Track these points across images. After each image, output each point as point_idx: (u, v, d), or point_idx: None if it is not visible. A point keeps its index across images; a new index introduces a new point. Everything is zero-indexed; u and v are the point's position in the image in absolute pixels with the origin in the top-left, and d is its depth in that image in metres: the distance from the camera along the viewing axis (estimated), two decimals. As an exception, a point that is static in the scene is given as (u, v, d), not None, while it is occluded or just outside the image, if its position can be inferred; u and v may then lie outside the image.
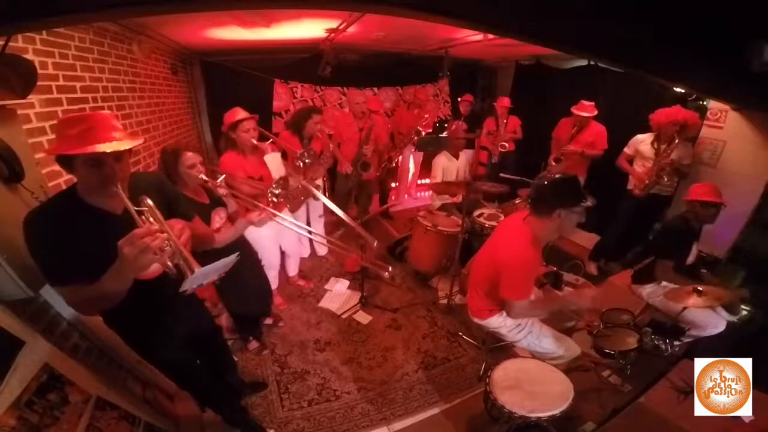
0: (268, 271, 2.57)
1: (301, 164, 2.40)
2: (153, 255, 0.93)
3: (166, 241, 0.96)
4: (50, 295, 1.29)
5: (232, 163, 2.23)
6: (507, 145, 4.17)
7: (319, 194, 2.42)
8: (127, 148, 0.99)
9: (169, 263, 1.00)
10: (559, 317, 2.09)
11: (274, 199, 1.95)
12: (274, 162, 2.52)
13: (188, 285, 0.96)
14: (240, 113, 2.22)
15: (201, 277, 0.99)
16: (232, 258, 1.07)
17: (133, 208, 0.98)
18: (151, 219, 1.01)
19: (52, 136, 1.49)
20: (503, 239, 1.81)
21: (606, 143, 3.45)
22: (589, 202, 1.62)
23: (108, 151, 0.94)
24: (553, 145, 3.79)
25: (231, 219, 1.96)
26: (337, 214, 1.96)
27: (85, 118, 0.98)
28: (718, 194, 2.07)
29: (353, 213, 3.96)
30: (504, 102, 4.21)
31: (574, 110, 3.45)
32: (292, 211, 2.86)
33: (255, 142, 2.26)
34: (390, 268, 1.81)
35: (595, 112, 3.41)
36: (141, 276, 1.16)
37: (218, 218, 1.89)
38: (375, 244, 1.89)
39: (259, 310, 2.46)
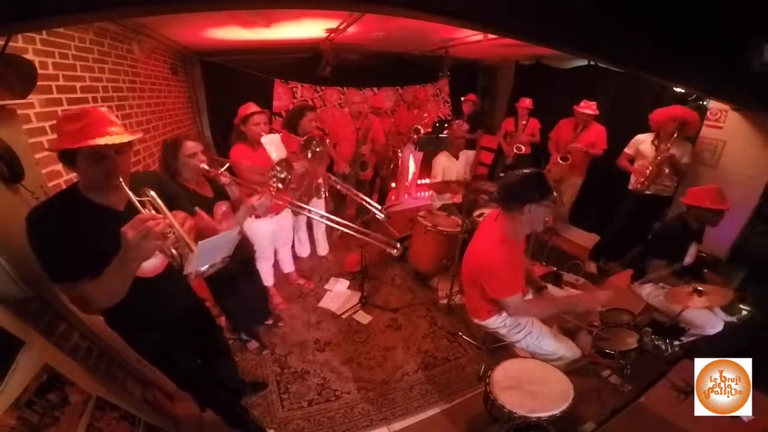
0: (261, 263, 2.57)
1: (310, 153, 2.37)
2: (156, 241, 0.93)
3: (169, 228, 0.96)
4: (50, 295, 1.29)
5: (241, 155, 2.26)
6: (523, 147, 4.13)
7: (349, 187, 2.41)
8: (128, 140, 1.00)
9: (173, 250, 1.00)
10: (558, 318, 2.09)
11: (279, 185, 1.89)
12: (273, 143, 2.50)
13: (191, 265, 0.96)
14: (252, 107, 2.29)
15: (203, 255, 0.98)
16: (234, 233, 1.07)
17: (135, 199, 0.99)
18: (154, 212, 1.01)
19: (52, 136, 1.49)
20: (477, 241, 1.83)
21: (606, 143, 3.46)
22: (555, 194, 1.64)
23: (110, 143, 0.95)
24: (551, 146, 3.79)
25: (234, 208, 1.93)
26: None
27: (84, 114, 0.99)
28: (723, 199, 2.05)
29: (351, 213, 3.96)
30: (525, 103, 4.11)
31: (578, 109, 3.45)
32: (296, 214, 2.85)
33: (264, 135, 2.29)
34: (398, 245, 1.77)
35: (597, 112, 3.42)
36: (142, 273, 1.16)
37: (221, 212, 1.88)
38: (388, 216, 1.85)
39: (257, 318, 2.47)
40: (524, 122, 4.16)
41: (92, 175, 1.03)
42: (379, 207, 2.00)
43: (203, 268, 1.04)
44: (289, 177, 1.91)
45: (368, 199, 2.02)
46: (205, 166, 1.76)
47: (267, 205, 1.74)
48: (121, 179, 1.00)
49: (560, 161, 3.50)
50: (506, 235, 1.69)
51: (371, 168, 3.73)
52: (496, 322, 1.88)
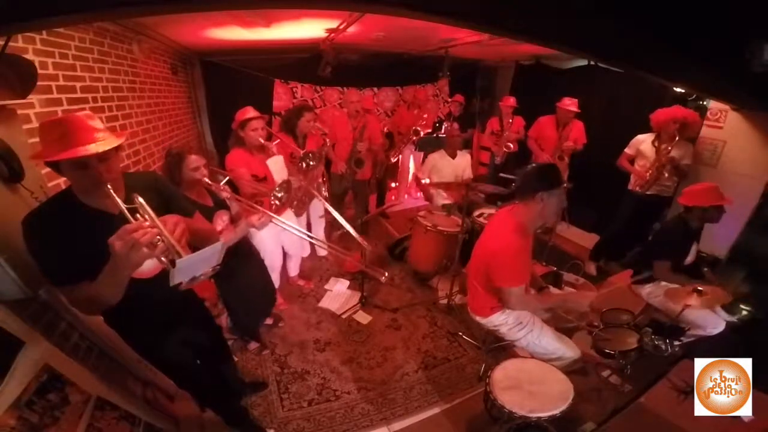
0: (269, 272, 2.57)
1: (305, 166, 2.40)
2: (144, 250, 0.92)
3: (158, 237, 0.94)
4: (50, 295, 1.29)
5: (238, 160, 2.26)
6: (512, 145, 4.15)
7: (322, 201, 2.53)
8: (107, 148, 0.97)
9: (164, 259, 0.98)
10: (559, 318, 2.09)
11: (277, 203, 1.97)
12: (276, 165, 2.53)
13: (176, 278, 0.95)
14: (250, 112, 2.27)
15: (188, 268, 0.97)
16: (218, 246, 1.05)
17: (124, 207, 0.97)
18: (146, 216, 1.00)
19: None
20: (491, 231, 1.90)
21: (585, 138, 3.58)
22: (565, 185, 1.72)
23: (87, 154, 0.93)
24: (531, 144, 3.87)
25: (233, 221, 1.97)
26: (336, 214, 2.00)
27: (63, 122, 0.97)
28: (721, 195, 2.05)
29: (350, 214, 3.96)
30: (509, 101, 4.17)
31: (562, 106, 3.54)
32: (298, 215, 2.87)
33: (262, 141, 2.29)
34: (386, 274, 1.85)
35: (579, 109, 3.54)
36: (139, 275, 1.16)
37: (221, 221, 1.90)
38: (369, 248, 1.97)
39: (261, 312, 2.47)
40: (509, 121, 4.20)
41: (78, 183, 1.03)
42: (350, 227, 2.20)
43: (189, 280, 1.02)
44: (287, 198, 2.00)
45: (341, 219, 2.19)
46: (207, 180, 1.80)
47: (267, 224, 1.85)
48: (109, 186, 0.98)
49: (558, 161, 3.54)
50: (521, 225, 1.74)
51: (369, 167, 3.73)
52: (498, 319, 1.89)
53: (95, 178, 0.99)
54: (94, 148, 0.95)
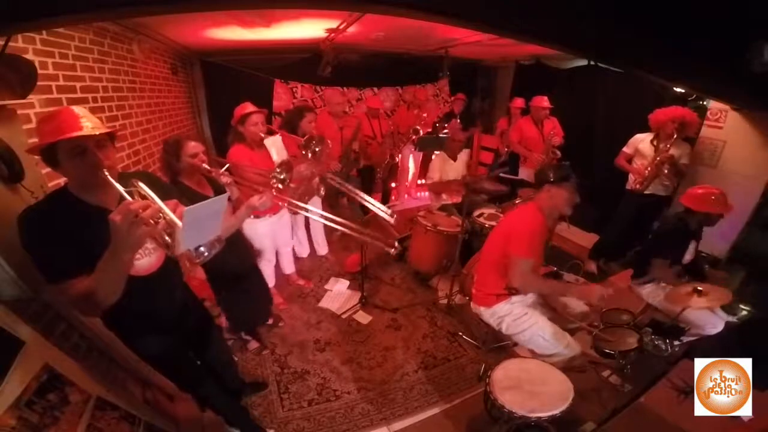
0: (263, 264, 2.58)
1: (310, 154, 2.36)
2: (145, 226, 0.91)
3: (159, 213, 0.94)
4: (51, 295, 1.29)
5: (240, 156, 2.24)
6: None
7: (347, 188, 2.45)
8: (102, 131, 1.02)
9: (166, 237, 0.97)
10: (561, 319, 2.09)
11: (279, 185, 1.89)
12: (275, 145, 2.48)
13: (182, 242, 0.94)
14: (249, 107, 2.26)
15: (194, 226, 0.95)
16: (223, 199, 1.06)
17: (123, 190, 0.98)
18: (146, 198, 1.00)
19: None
20: (513, 212, 2.07)
21: (562, 131, 3.72)
22: (572, 181, 1.87)
23: (85, 134, 0.97)
24: (515, 147, 3.94)
25: (234, 208, 1.94)
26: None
27: (57, 113, 1.01)
28: (723, 203, 2.04)
29: (346, 213, 3.96)
30: (518, 103, 4.24)
31: (535, 104, 3.68)
32: (294, 213, 2.86)
33: (263, 135, 2.27)
34: (396, 244, 1.89)
35: (552, 105, 3.71)
36: (137, 272, 1.16)
37: None
38: (395, 218, 2.03)
39: (258, 317, 2.47)
40: (514, 121, 4.23)
41: (76, 171, 1.04)
42: (384, 207, 2.05)
43: (194, 248, 1.00)
44: (289, 178, 1.92)
45: (372, 200, 2.06)
46: (207, 166, 1.77)
47: (269, 204, 1.76)
48: (106, 172, 1.00)
49: (552, 155, 3.63)
50: (540, 207, 1.90)
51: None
52: (503, 309, 1.92)
53: (93, 164, 1.01)
54: (93, 130, 0.99)
